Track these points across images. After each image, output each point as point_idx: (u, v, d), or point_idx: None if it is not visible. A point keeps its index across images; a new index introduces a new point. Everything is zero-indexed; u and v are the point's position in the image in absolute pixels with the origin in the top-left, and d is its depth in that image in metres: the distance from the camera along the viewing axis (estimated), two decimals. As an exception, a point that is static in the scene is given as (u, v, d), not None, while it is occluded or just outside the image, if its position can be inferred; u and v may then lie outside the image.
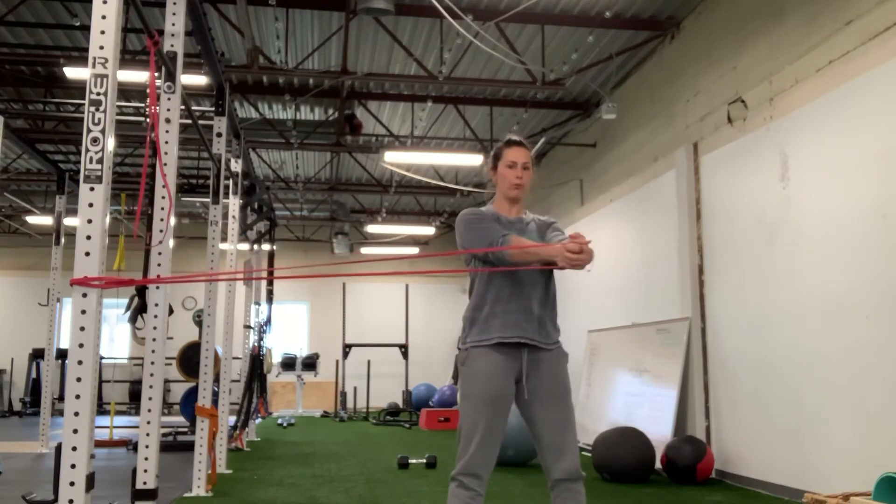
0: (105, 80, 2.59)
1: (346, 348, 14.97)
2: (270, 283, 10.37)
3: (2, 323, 16.21)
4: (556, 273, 2.95)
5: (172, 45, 4.05)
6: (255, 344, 9.52)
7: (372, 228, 15.61)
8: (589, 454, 6.72)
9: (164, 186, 3.93)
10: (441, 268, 17.54)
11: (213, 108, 6.31)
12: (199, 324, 9.44)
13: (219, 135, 6.04)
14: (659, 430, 6.96)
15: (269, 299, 10.16)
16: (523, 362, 2.82)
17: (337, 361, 15.24)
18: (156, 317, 4.02)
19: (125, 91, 9.05)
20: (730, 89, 6.72)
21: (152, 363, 3.99)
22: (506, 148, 3.03)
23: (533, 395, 2.81)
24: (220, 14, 7.46)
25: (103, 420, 10.06)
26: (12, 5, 7.15)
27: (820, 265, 5.39)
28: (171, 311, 4.76)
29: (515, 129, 10.37)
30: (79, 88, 8.97)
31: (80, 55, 8.13)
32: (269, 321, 10.04)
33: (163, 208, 3.95)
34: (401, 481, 6.31)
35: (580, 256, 2.61)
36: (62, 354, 13.10)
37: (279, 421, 12.58)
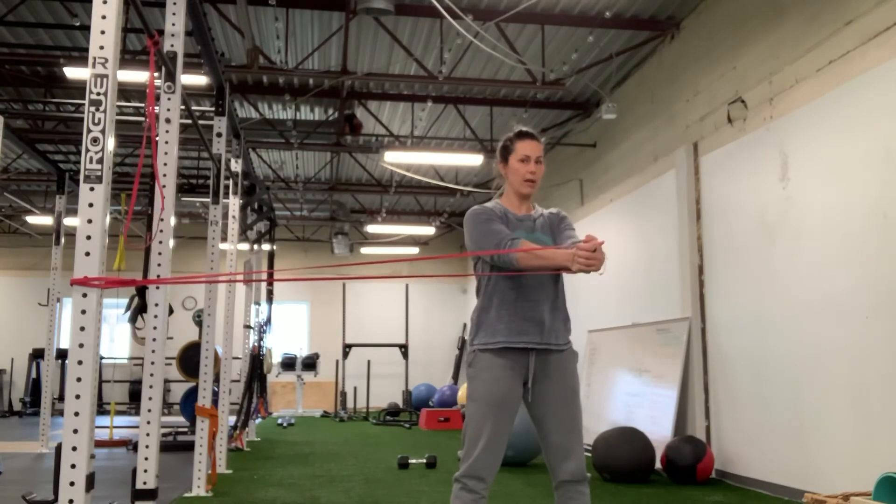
0: (105, 80, 2.59)
1: (346, 348, 14.97)
2: (270, 283, 10.37)
3: (2, 323, 16.21)
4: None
5: (172, 45, 4.05)
6: (255, 344, 9.52)
7: (372, 228, 15.61)
8: (589, 454, 6.72)
9: (163, 187, 3.93)
10: (442, 269, 17.56)
11: (213, 108, 6.31)
12: (199, 324, 9.44)
13: (219, 135, 6.04)
14: (659, 430, 6.96)
15: (269, 299, 10.16)
16: (531, 366, 2.77)
17: (337, 361, 15.25)
18: (156, 317, 4.02)
19: (125, 91, 9.05)
20: (730, 89, 6.72)
21: (152, 363, 3.99)
22: (518, 140, 2.90)
23: (541, 396, 2.78)
24: (220, 14, 7.46)
25: (103, 420, 10.06)
26: (12, 5, 7.15)
27: (820, 265, 5.39)
28: (171, 311, 4.77)
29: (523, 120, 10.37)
30: (79, 88, 8.97)
31: (80, 55, 8.13)
32: (269, 321, 10.04)
33: (163, 208, 3.95)
34: (401, 481, 6.31)
35: (594, 255, 2.52)
36: (62, 354, 13.11)
37: (279, 421, 12.58)
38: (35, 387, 14.88)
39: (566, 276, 2.99)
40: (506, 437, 2.75)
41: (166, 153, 3.99)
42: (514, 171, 2.89)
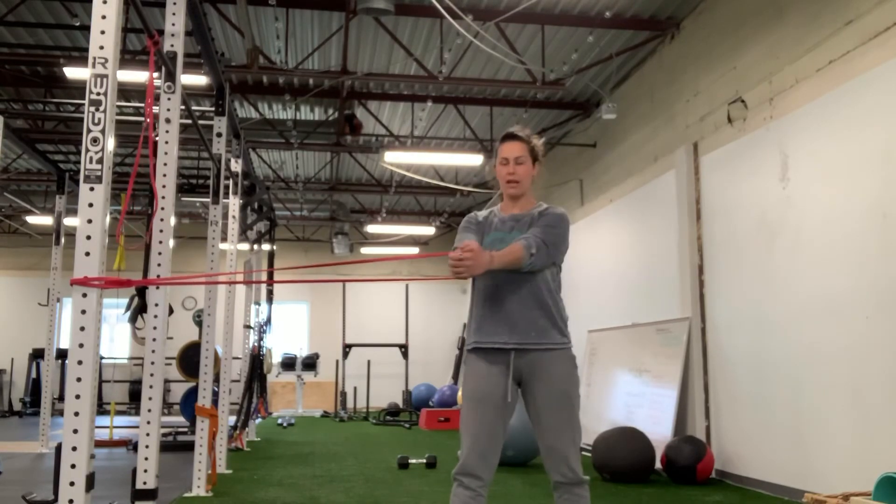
0: (105, 80, 2.59)
1: (346, 348, 14.96)
2: (270, 284, 10.37)
3: (2, 323, 16.21)
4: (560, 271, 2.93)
5: (172, 45, 4.05)
6: (255, 344, 9.52)
7: (372, 228, 15.61)
8: (589, 454, 6.72)
9: (163, 186, 3.93)
10: (442, 269, 17.55)
11: (213, 108, 6.31)
12: (199, 324, 9.44)
13: (219, 135, 6.04)
14: (659, 430, 6.96)
15: (269, 299, 10.16)
16: (511, 365, 2.78)
17: (337, 361, 15.25)
18: (156, 317, 4.02)
19: (125, 91, 9.05)
20: (730, 89, 6.72)
21: (152, 363, 3.99)
22: (501, 144, 2.96)
23: (531, 397, 2.79)
24: (220, 14, 7.46)
25: (103, 420, 10.06)
26: (12, 5, 7.15)
27: (820, 265, 5.39)
28: (171, 311, 4.77)
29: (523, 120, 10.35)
30: (79, 88, 8.97)
31: (80, 55, 8.13)
32: (269, 321, 10.03)
33: (163, 208, 3.95)
34: (401, 481, 6.31)
35: (457, 263, 2.55)
36: (62, 354, 13.10)
37: (279, 421, 12.58)
38: (35, 387, 14.87)
39: (565, 276, 2.99)
40: (495, 433, 2.75)
41: (166, 153, 3.99)
42: (498, 173, 2.95)
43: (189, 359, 9.50)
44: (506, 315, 2.79)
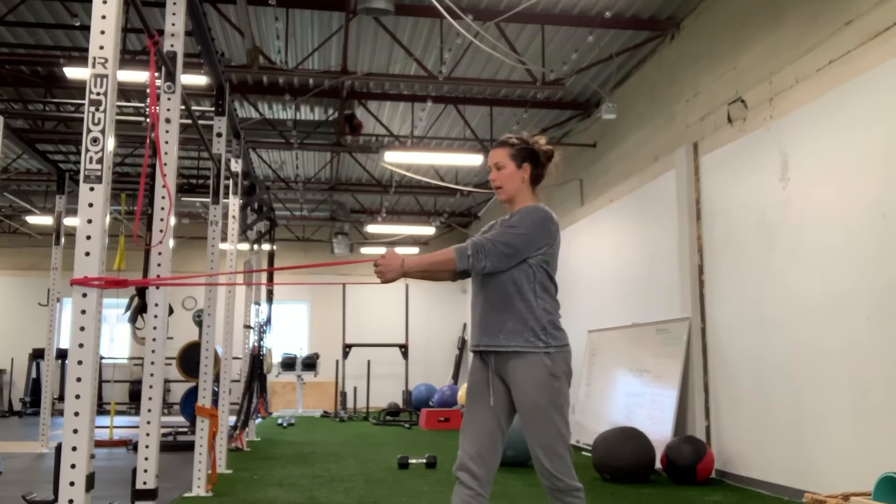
0: (105, 80, 2.59)
1: (346, 348, 14.96)
2: (270, 284, 10.36)
3: (2, 323, 16.21)
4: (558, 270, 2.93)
5: (172, 45, 4.05)
6: (255, 344, 9.52)
7: (372, 228, 15.61)
8: (589, 454, 6.72)
9: (163, 186, 3.93)
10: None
11: (213, 108, 6.31)
12: (199, 324, 9.44)
13: (219, 135, 6.04)
14: (659, 430, 6.96)
15: (269, 299, 10.16)
16: (491, 368, 2.81)
17: (337, 361, 15.24)
18: (156, 317, 4.02)
19: (125, 91, 9.05)
20: (730, 89, 6.72)
21: (152, 363, 3.99)
22: None
23: (514, 402, 2.80)
24: (220, 14, 7.46)
25: (103, 420, 10.06)
26: (12, 5, 7.15)
27: (820, 265, 5.39)
28: (171, 311, 4.77)
29: (514, 129, 10.35)
30: (79, 88, 8.97)
31: (80, 55, 8.13)
32: (269, 321, 10.03)
33: (163, 208, 3.95)
34: (401, 481, 6.31)
35: (375, 270, 2.70)
36: (62, 354, 13.10)
37: (279, 421, 12.58)
38: (35, 387, 14.87)
39: (564, 276, 3.00)
40: (490, 432, 2.76)
41: (166, 153, 3.99)
42: None
43: (189, 359, 9.49)
44: (479, 318, 2.85)
